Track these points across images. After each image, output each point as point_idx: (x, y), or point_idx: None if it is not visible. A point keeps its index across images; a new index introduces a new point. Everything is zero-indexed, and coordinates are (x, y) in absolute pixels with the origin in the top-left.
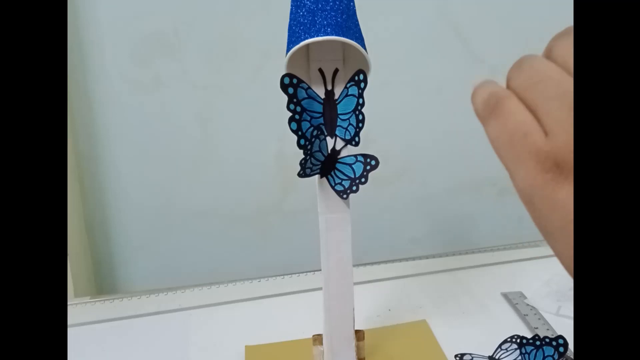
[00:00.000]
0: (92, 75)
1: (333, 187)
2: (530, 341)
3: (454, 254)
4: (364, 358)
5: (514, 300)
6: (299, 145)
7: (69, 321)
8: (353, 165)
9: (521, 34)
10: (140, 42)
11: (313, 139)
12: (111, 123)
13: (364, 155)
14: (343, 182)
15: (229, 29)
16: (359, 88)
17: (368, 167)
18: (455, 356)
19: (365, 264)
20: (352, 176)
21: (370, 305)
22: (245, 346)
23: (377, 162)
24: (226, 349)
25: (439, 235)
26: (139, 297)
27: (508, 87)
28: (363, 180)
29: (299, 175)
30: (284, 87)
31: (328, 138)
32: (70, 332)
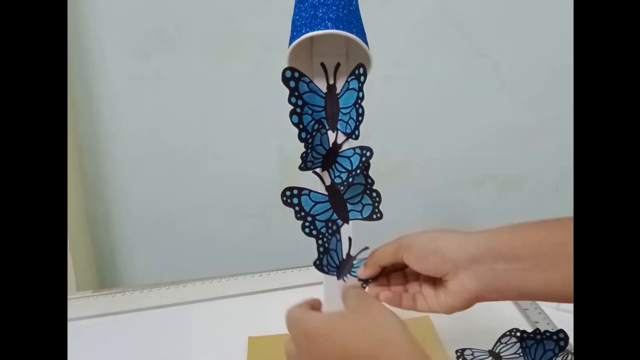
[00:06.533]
0: (93, 69)
1: (332, 180)
2: (531, 335)
3: None
4: None
5: None
6: (300, 139)
7: (72, 315)
8: (351, 158)
9: (522, 29)
10: (141, 36)
11: (314, 133)
12: (112, 117)
13: (361, 147)
14: (341, 175)
15: (229, 23)
16: (359, 82)
17: (364, 159)
18: (456, 352)
19: (365, 259)
20: (350, 168)
21: None
22: (249, 337)
23: (372, 153)
24: (228, 342)
25: None
26: (141, 291)
27: None
28: (358, 171)
29: (300, 168)
30: (285, 80)
31: (330, 132)
32: (73, 325)
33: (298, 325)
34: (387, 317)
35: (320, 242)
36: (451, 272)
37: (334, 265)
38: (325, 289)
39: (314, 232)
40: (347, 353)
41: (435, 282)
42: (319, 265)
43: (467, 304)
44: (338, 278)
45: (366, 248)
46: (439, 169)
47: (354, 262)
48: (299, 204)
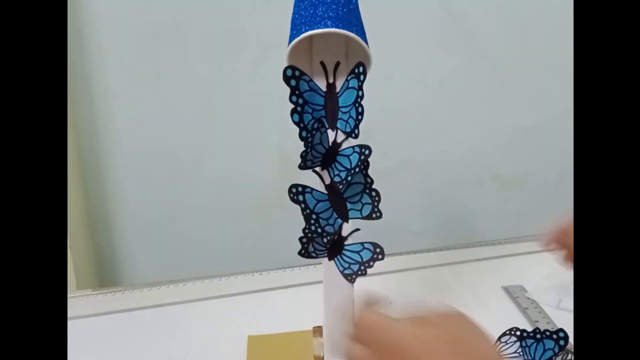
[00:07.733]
0: (93, 68)
1: (332, 179)
2: (531, 334)
3: (455, 248)
4: None
5: (515, 294)
6: (301, 138)
7: (72, 314)
8: (350, 157)
9: (523, 28)
10: (142, 35)
11: (314, 132)
12: (112, 116)
13: (360, 146)
14: (341, 174)
15: (230, 21)
16: (359, 80)
17: (362, 157)
18: None
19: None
20: (349, 167)
21: None
22: (248, 336)
23: (370, 151)
24: (227, 340)
25: (440, 228)
26: (140, 289)
27: None
28: (357, 170)
29: (300, 167)
30: (286, 79)
31: (329, 131)
32: (73, 324)
33: (385, 334)
34: (491, 353)
35: (306, 229)
36: None
37: (323, 247)
38: (325, 286)
39: (319, 230)
40: None
41: None
42: (305, 252)
43: None
44: (329, 259)
45: (357, 229)
46: (439, 168)
47: (347, 244)
48: (304, 201)
